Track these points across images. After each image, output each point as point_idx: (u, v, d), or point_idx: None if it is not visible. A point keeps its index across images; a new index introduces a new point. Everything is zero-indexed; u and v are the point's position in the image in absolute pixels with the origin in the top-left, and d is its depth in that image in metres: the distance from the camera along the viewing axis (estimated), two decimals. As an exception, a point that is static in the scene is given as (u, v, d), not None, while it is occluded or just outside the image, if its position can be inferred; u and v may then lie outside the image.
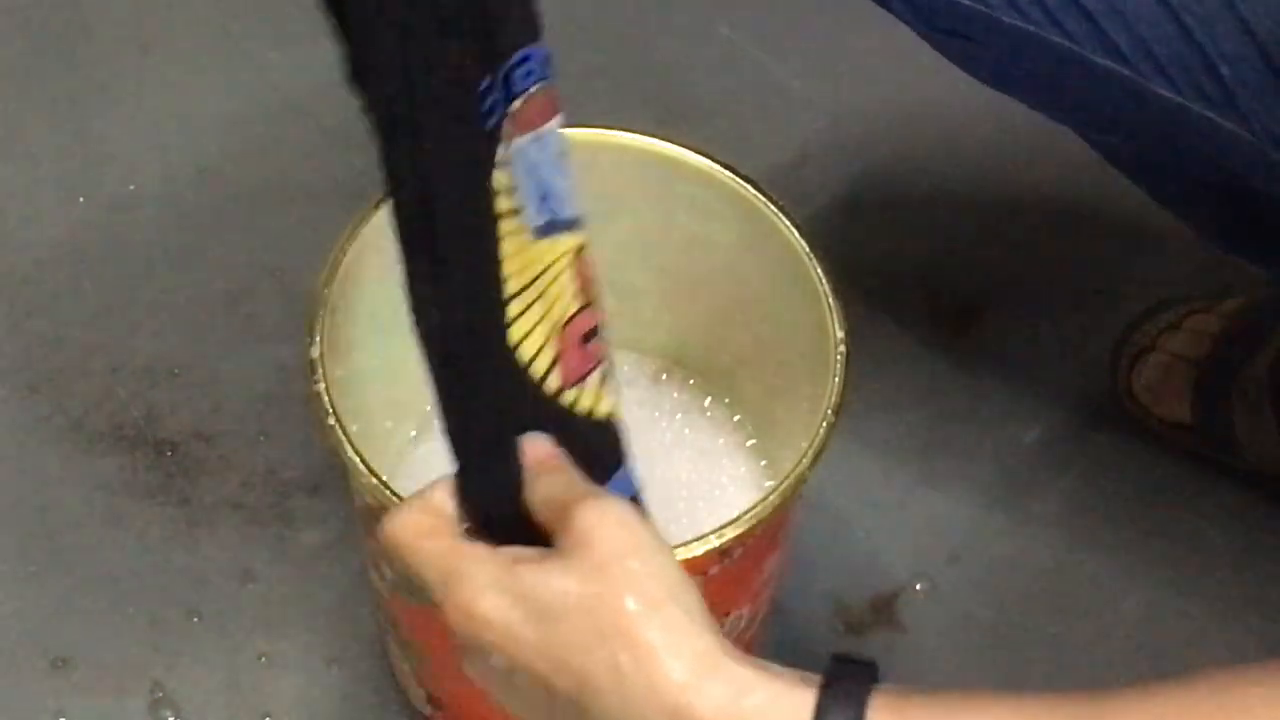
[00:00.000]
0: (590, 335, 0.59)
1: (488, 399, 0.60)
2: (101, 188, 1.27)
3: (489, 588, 0.58)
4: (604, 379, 0.60)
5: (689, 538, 0.76)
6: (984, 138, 1.29)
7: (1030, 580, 1.10)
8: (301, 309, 0.84)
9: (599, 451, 0.63)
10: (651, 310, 0.99)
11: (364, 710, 1.06)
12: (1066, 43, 0.85)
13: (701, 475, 0.99)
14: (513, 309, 0.58)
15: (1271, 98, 0.81)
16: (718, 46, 1.36)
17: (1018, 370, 1.19)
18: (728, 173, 0.90)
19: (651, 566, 0.57)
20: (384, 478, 0.78)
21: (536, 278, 0.59)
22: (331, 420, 0.79)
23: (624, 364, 1.01)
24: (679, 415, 1.01)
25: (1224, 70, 0.82)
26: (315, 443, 1.12)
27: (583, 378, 0.60)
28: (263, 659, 1.07)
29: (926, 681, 1.08)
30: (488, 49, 0.57)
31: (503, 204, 0.57)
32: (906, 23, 0.91)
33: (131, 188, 1.27)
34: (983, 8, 0.86)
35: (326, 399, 0.80)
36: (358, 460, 0.78)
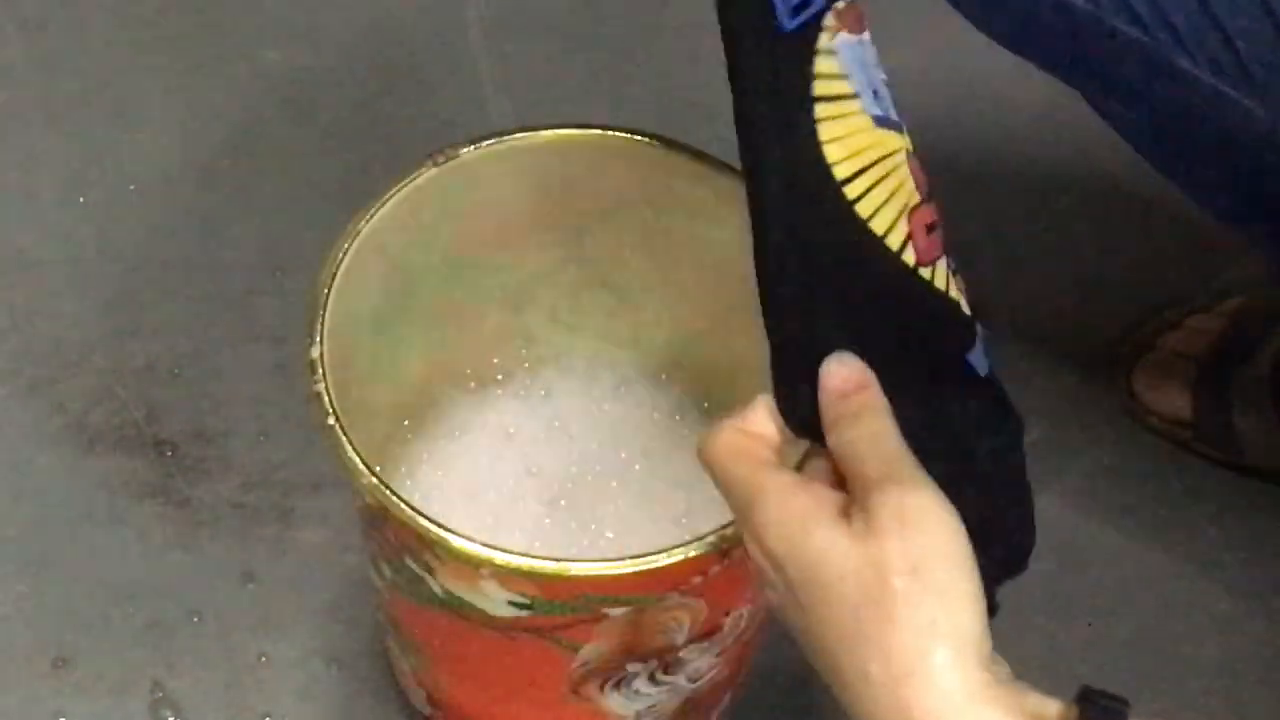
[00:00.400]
0: (932, 228, 0.59)
1: (838, 277, 0.58)
2: (101, 188, 1.27)
3: (777, 527, 0.57)
4: (952, 270, 0.59)
5: (689, 538, 0.76)
6: (984, 138, 1.29)
7: (1030, 580, 1.10)
8: (301, 309, 0.84)
9: (955, 327, 0.61)
10: (651, 310, 0.99)
11: (364, 710, 1.06)
12: (1088, 5, 0.85)
13: (701, 475, 0.99)
14: (860, 183, 0.58)
15: None
16: (718, 47, 1.35)
17: (1018, 370, 1.19)
18: (728, 173, 0.89)
19: (941, 577, 0.55)
20: (383, 477, 0.78)
21: (880, 160, 0.59)
22: (331, 420, 0.79)
23: (624, 364, 1.02)
24: (679, 415, 1.01)
25: (1240, 45, 0.82)
26: (315, 443, 1.12)
27: (933, 260, 0.59)
28: (263, 659, 1.07)
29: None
30: None
31: (839, 87, 0.59)
32: None
33: (131, 188, 1.27)
34: None
35: (327, 399, 0.80)
36: (358, 460, 0.78)
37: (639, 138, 0.90)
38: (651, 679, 0.84)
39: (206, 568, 1.10)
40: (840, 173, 0.58)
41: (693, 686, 0.89)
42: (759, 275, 0.61)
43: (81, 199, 1.27)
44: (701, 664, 0.87)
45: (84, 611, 1.08)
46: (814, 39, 0.59)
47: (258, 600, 1.09)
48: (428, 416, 0.99)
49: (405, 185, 0.87)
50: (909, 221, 0.59)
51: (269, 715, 1.05)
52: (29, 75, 1.33)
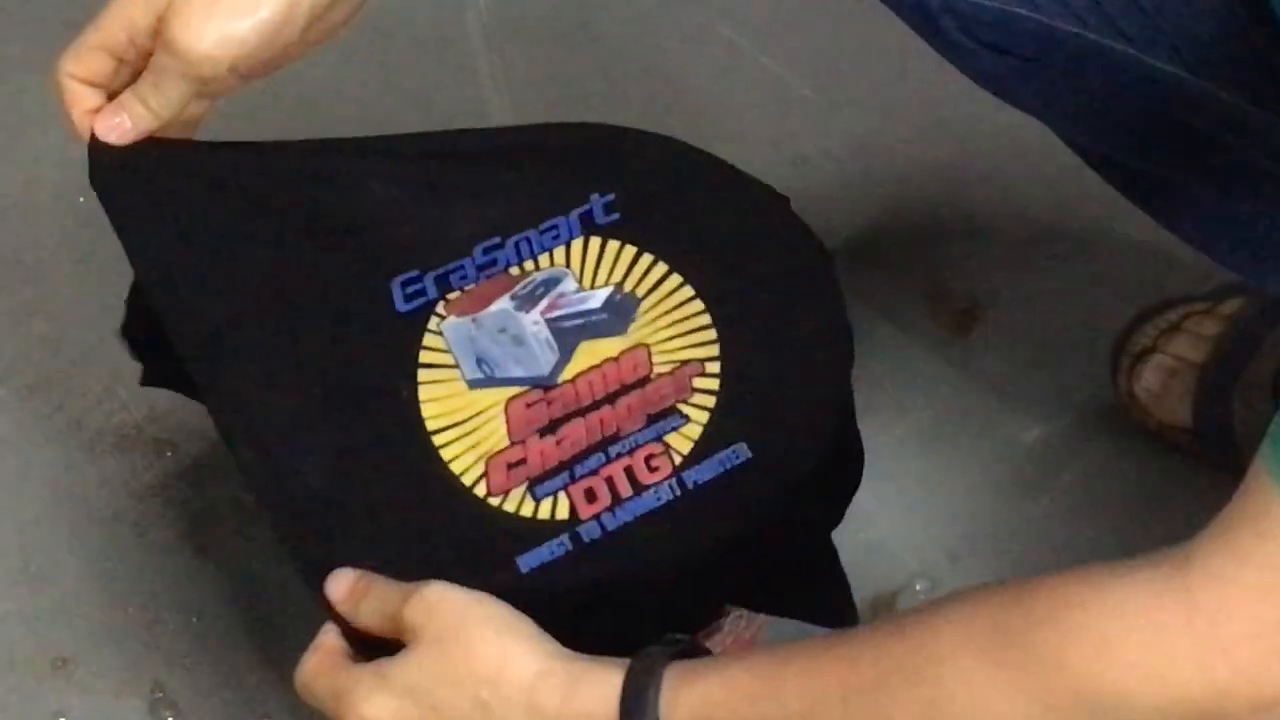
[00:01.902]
0: (515, 465, 0.74)
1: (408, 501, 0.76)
2: (101, 187, 1.27)
3: (371, 692, 0.70)
4: (527, 492, 0.75)
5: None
6: (984, 138, 1.29)
7: (1030, 580, 1.10)
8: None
9: (509, 537, 0.74)
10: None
11: (364, 710, 1.06)
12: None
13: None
14: (448, 434, 0.75)
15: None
16: (718, 46, 1.36)
17: (1018, 370, 1.19)
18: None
19: (474, 617, 0.69)
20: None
21: (470, 418, 0.75)
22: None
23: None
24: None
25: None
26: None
27: (506, 490, 0.74)
28: (263, 659, 1.07)
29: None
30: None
31: (442, 358, 0.77)
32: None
33: (131, 187, 1.27)
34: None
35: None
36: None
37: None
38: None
39: (206, 568, 1.10)
40: (431, 425, 0.75)
41: (693, 687, 0.89)
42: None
43: (81, 199, 1.27)
44: (701, 665, 0.87)
45: (84, 611, 1.08)
46: (425, 321, 0.77)
47: (258, 600, 1.09)
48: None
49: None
50: (486, 463, 0.74)
51: (269, 715, 1.05)
52: (29, 74, 1.33)
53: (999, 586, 0.63)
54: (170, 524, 1.11)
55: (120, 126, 0.82)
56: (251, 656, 1.07)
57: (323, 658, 0.75)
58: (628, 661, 0.67)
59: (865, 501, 1.12)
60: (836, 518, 0.81)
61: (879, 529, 1.11)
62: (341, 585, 0.74)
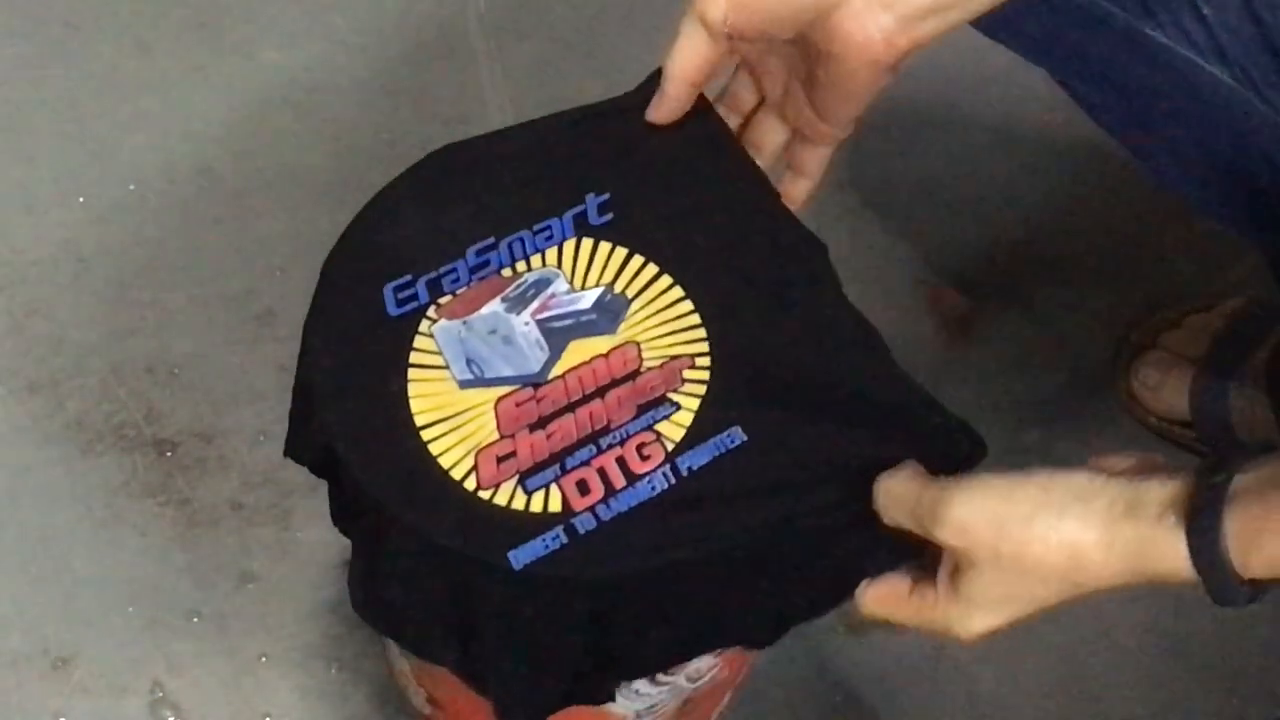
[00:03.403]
0: (505, 458, 0.75)
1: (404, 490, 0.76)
2: (101, 188, 1.27)
3: (966, 618, 0.71)
4: (518, 485, 0.75)
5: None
6: (984, 137, 1.29)
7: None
8: (301, 309, 0.84)
9: (501, 531, 0.74)
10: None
11: (364, 710, 1.06)
12: None
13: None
14: (436, 429, 0.76)
15: (1253, 46, 0.82)
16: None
17: (1018, 370, 1.19)
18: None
19: (1012, 519, 0.68)
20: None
21: (458, 414, 0.76)
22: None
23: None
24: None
25: (1206, 12, 0.82)
26: (315, 443, 1.12)
27: (496, 483, 0.75)
28: (263, 659, 1.07)
29: (924, 687, 1.09)
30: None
31: (432, 359, 0.78)
32: None
33: (131, 188, 1.27)
34: None
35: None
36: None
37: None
38: (652, 679, 0.84)
39: (206, 568, 1.10)
40: (420, 420, 0.76)
41: (693, 686, 0.89)
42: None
43: (81, 199, 1.27)
44: (701, 664, 0.87)
45: (84, 611, 1.08)
46: (416, 324, 0.79)
47: (258, 600, 1.09)
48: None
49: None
50: (476, 456, 0.75)
51: (269, 715, 1.05)
52: (29, 75, 1.33)
53: None
54: (170, 524, 1.12)
55: None
56: (251, 656, 1.07)
57: (895, 602, 0.75)
58: (1181, 508, 0.66)
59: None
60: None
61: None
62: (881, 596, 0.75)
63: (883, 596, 0.75)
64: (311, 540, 1.11)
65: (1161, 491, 0.66)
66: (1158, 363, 1.15)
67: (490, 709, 0.78)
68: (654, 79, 0.84)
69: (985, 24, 0.91)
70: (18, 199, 1.27)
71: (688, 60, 0.80)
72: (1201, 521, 0.64)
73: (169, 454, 1.14)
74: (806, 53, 0.77)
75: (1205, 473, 0.66)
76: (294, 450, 0.83)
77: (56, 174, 1.28)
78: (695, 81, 0.81)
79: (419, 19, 1.36)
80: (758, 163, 0.83)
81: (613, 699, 0.80)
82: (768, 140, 0.84)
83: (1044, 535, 0.67)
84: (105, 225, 1.26)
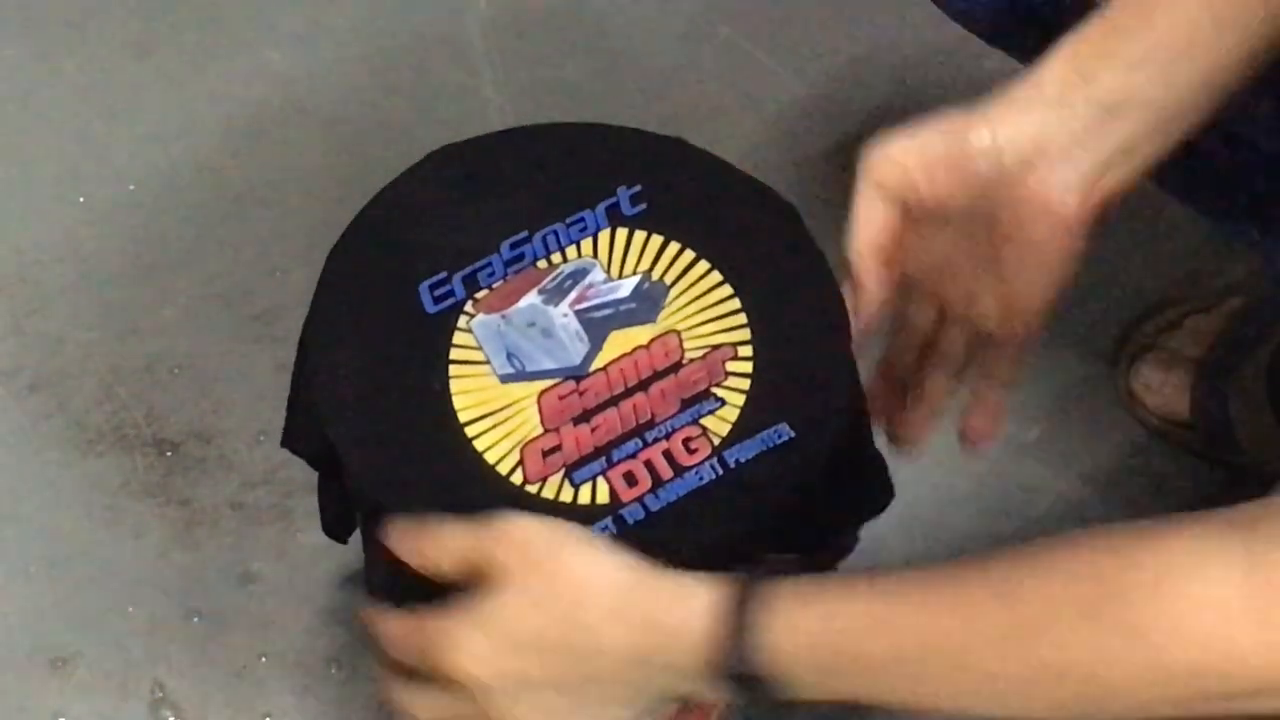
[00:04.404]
0: (550, 452, 0.76)
1: (449, 484, 0.76)
2: (101, 188, 1.27)
3: (464, 640, 0.68)
4: (565, 478, 0.76)
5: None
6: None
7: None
8: (302, 309, 0.84)
9: (556, 517, 0.74)
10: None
11: (364, 710, 1.06)
12: None
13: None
14: (480, 425, 0.76)
15: None
16: (718, 46, 1.36)
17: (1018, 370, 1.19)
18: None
19: (558, 543, 0.68)
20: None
21: (501, 408, 0.77)
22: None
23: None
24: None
25: None
26: (315, 443, 1.12)
27: (543, 477, 0.75)
28: (263, 659, 1.07)
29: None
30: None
31: (473, 355, 0.78)
32: None
33: (131, 188, 1.27)
34: None
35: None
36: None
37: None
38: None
39: (206, 568, 1.10)
40: (464, 416, 0.76)
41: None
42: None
43: (81, 199, 1.27)
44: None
45: (84, 611, 1.08)
46: (454, 320, 0.79)
47: (258, 600, 1.09)
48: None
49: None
50: (521, 451, 0.75)
51: (269, 715, 1.05)
52: (29, 75, 1.33)
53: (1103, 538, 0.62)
54: (170, 524, 1.11)
55: None
56: (251, 656, 1.07)
57: (402, 617, 0.72)
58: (720, 576, 0.65)
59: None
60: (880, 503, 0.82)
61: (878, 529, 1.11)
62: (405, 535, 0.72)
63: (402, 623, 0.72)
64: (312, 541, 1.11)
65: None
66: (1158, 363, 1.15)
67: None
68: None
69: (988, 36, 0.91)
70: (18, 199, 1.27)
71: (873, 232, 0.74)
72: (743, 581, 0.65)
73: (169, 454, 1.14)
74: (989, 235, 0.73)
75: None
76: (291, 442, 0.83)
77: (56, 174, 1.28)
78: (886, 253, 0.74)
79: (419, 19, 1.36)
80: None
81: None
82: (953, 350, 0.80)
83: (575, 560, 0.67)
84: (105, 225, 1.26)
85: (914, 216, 0.74)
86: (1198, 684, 0.58)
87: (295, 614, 1.08)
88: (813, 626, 0.63)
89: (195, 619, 1.08)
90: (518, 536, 0.68)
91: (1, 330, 1.20)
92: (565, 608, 0.66)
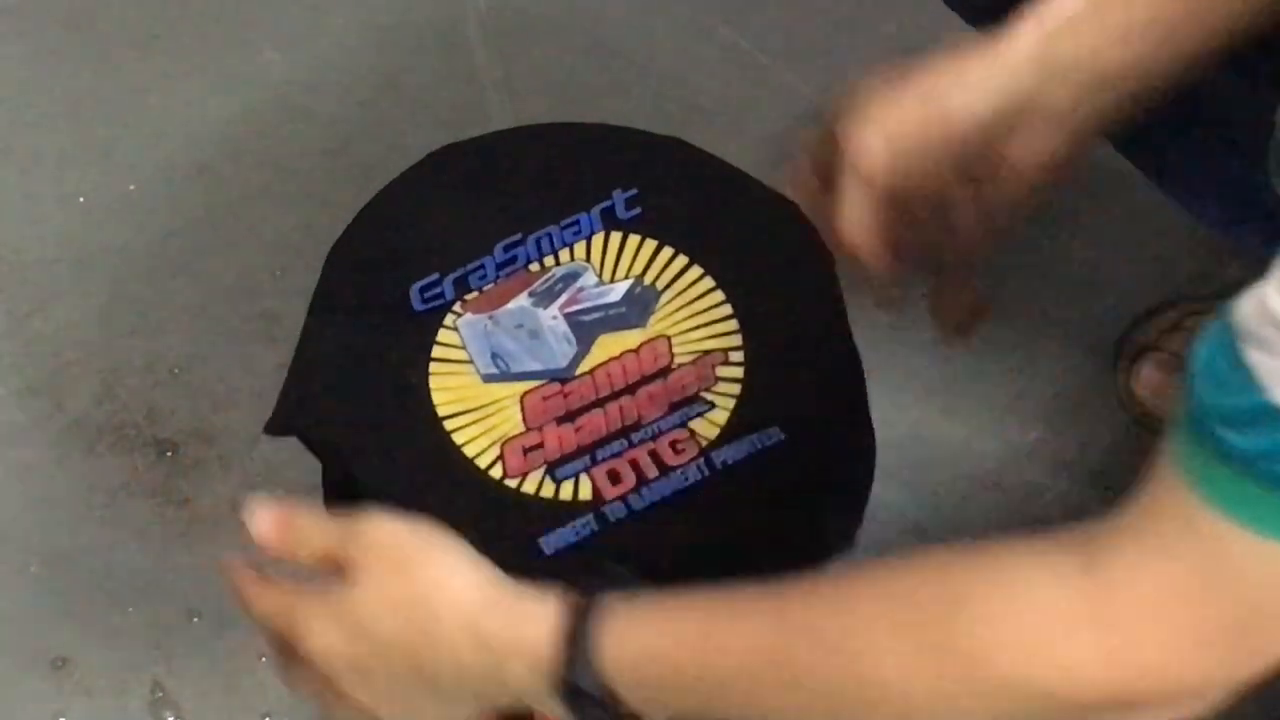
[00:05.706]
0: (532, 449, 0.76)
1: (428, 478, 0.77)
2: (102, 188, 1.27)
3: (320, 626, 0.69)
4: (546, 475, 0.76)
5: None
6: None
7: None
8: (302, 309, 0.84)
9: (529, 517, 0.75)
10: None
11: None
12: None
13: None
14: (459, 420, 0.76)
15: None
16: (718, 46, 1.36)
17: (1018, 370, 1.19)
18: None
19: (414, 547, 0.68)
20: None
21: (482, 406, 0.77)
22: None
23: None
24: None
25: None
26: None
27: (524, 472, 0.75)
28: (263, 659, 1.07)
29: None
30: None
31: (455, 354, 0.79)
32: None
33: (131, 188, 1.27)
34: None
35: (326, 399, 0.81)
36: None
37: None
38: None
39: (206, 568, 1.10)
40: (443, 411, 0.77)
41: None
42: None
43: (81, 199, 1.27)
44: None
45: (84, 611, 1.08)
46: (440, 319, 0.80)
47: (258, 600, 1.09)
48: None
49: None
50: (501, 447, 0.76)
51: (269, 715, 1.05)
52: (29, 75, 1.33)
53: (918, 561, 0.61)
54: (170, 524, 1.11)
55: None
56: (251, 656, 1.07)
57: (267, 586, 0.74)
58: (567, 594, 0.66)
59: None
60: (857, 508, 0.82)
61: (878, 529, 1.11)
62: (266, 520, 0.72)
63: (276, 590, 0.73)
64: (311, 540, 1.11)
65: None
66: (1158, 363, 1.15)
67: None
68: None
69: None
70: (18, 199, 1.27)
71: (860, 219, 0.74)
72: (583, 600, 0.65)
73: (169, 454, 1.14)
74: (967, 175, 0.74)
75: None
76: (279, 428, 0.83)
77: (56, 174, 1.28)
78: (883, 232, 0.75)
79: (419, 19, 1.36)
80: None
81: None
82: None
83: (428, 565, 0.67)
84: (105, 225, 1.26)
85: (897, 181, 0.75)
86: (1022, 699, 0.57)
87: (295, 614, 1.08)
88: (642, 643, 0.63)
89: (195, 619, 1.08)
90: (380, 538, 0.69)
91: (1, 330, 1.20)
92: (420, 615, 0.67)
